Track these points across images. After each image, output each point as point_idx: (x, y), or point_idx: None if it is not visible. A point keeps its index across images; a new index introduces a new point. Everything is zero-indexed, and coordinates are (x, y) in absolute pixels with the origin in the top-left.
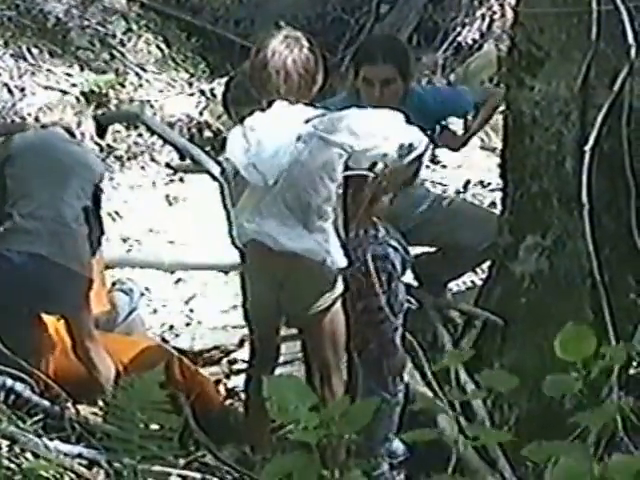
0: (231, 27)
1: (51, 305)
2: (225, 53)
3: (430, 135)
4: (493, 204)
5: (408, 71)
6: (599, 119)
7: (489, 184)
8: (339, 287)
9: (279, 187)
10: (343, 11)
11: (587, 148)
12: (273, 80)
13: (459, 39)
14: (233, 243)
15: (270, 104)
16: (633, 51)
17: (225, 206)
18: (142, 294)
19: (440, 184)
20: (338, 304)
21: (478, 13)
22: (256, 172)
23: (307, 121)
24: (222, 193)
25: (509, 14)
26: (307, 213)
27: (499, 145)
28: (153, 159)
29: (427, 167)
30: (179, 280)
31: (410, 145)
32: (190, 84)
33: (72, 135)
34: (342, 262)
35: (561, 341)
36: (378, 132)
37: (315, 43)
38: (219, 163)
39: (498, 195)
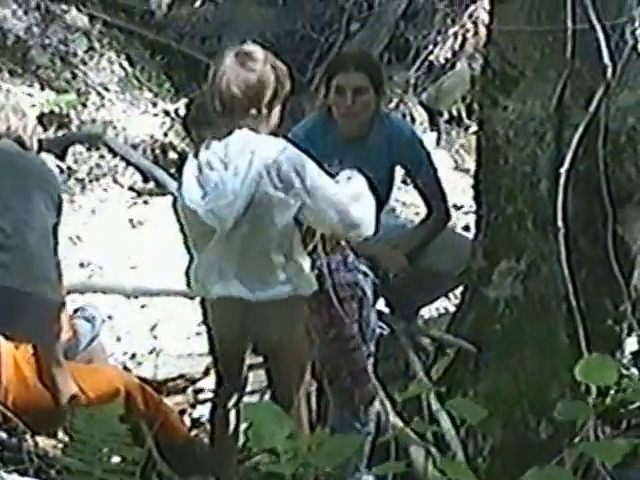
0: (197, 45)
1: (19, 331)
2: (191, 72)
3: (384, 177)
4: (467, 227)
5: (380, 83)
6: (575, 140)
7: (462, 206)
8: (306, 313)
9: (239, 230)
10: (312, 29)
11: (563, 170)
12: (224, 103)
13: (431, 57)
14: (188, 284)
15: (230, 132)
16: (609, 71)
17: (185, 243)
18: (104, 321)
19: (412, 205)
20: (304, 331)
21: (451, 31)
22: (214, 217)
23: (269, 157)
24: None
25: (482, 32)
26: (270, 252)
27: (473, 166)
28: (116, 181)
29: (398, 189)
30: (143, 306)
31: (358, 225)
32: (154, 104)
33: (24, 146)
34: (310, 289)
35: (583, 368)
36: (335, 206)
37: (275, 59)
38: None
39: (472, 218)
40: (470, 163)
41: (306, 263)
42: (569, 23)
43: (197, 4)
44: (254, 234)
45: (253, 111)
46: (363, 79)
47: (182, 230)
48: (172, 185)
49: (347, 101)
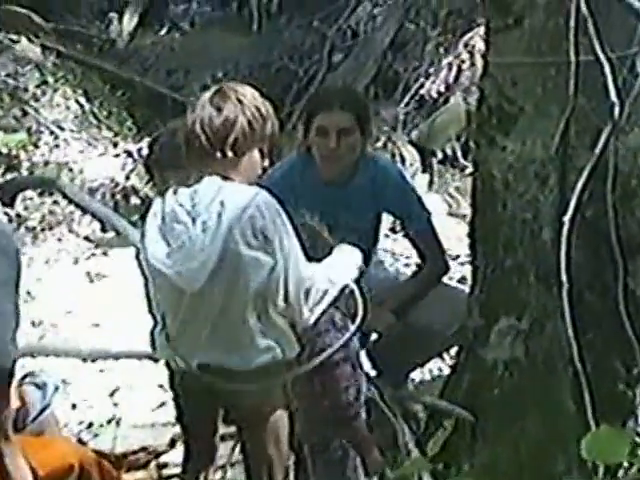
0: (162, 78)
1: None
2: (155, 108)
3: (370, 225)
4: (463, 279)
5: (367, 124)
6: (580, 184)
7: (458, 256)
8: (286, 379)
9: (210, 291)
10: (290, 60)
11: (567, 217)
12: (190, 144)
13: (423, 91)
14: (153, 346)
15: (199, 178)
16: (617, 107)
17: (149, 302)
18: (57, 388)
19: (402, 256)
20: (283, 398)
21: (444, 62)
22: (181, 279)
23: (241, 210)
24: (146, 286)
25: (479, 63)
26: (246, 315)
27: (469, 212)
28: (71, 230)
29: (386, 236)
30: (102, 370)
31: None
32: (114, 144)
33: None
34: (290, 353)
35: (590, 443)
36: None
37: (254, 97)
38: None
39: (468, 269)
40: (466, 208)
41: (287, 324)
42: (572, 55)
43: (162, 32)
44: (227, 296)
45: (218, 155)
46: (348, 119)
47: (147, 285)
48: (134, 235)
49: (330, 143)
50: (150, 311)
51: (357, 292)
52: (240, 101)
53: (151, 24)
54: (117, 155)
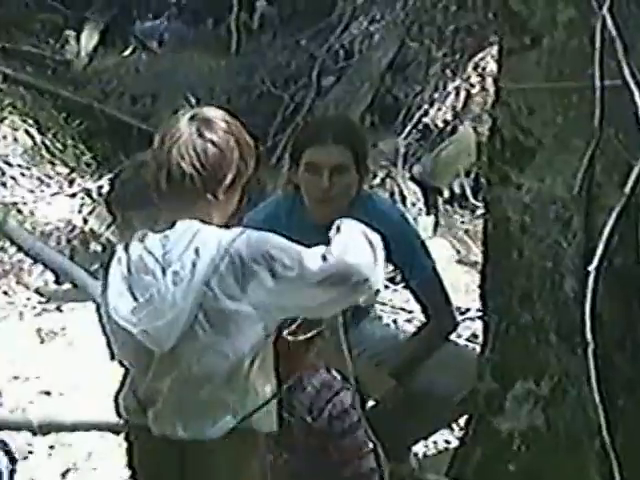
0: (126, 105)
1: None
2: (117, 140)
3: None
4: (473, 337)
5: (364, 160)
6: (608, 227)
7: (467, 310)
8: (261, 454)
9: (182, 352)
10: (274, 84)
11: (593, 266)
12: (172, 182)
13: (427, 119)
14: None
15: (173, 221)
16: None
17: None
18: (13, 472)
19: (403, 310)
20: (258, 476)
21: (451, 86)
22: (149, 338)
23: (219, 255)
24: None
25: (491, 88)
26: (223, 380)
27: (479, 259)
28: (20, 282)
29: (385, 287)
30: (52, 446)
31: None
32: (71, 181)
33: None
34: (268, 426)
35: None
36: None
37: (240, 128)
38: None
39: (479, 325)
40: (477, 255)
41: (268, 391)
42: (598, 80)
43: (126, 52)
44: (202, 357)
45: (209, 196)
46: (343, 155)
47: (109, 345)
48: (94, 287)
49: (323, 183)
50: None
51: (345, 347)
52: (231, 130)
53: (113, 43)
54: (73, 195)
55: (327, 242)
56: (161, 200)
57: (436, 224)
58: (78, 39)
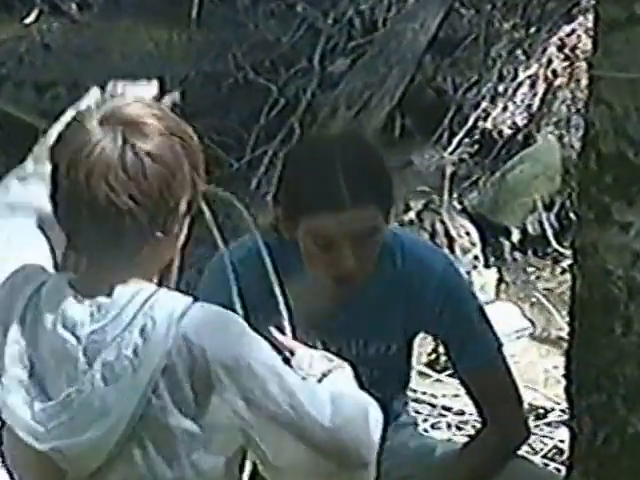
0: (29, 96)
1: None
2: (13, 148)
3: (396, 357)
4: (555, 451)
5: (393, 204)
6: None
7: (546, 412)
8: None
9: (108, 476)
10: (255, 71)
11: None
12: (90, 224)
13: (487, 124)
14: None
15: (100, 279)
16: None
17: None
18: None
19: (448, 410)
20: None
21: (523, 75)
22: (62, 458)
23: (178, 349)
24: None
25: (583, 78)
26: None
27: (565, 334)
28: None
29: (425, 376)
30: None
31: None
32: None
33: None
34: None
35: None
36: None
37: (178, 121)
38: None
39: (563, 433)
40: (561, 328)
41: None
42: None
43: (30, 19)
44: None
45: (159, 234)
46: (369, 219)
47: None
48: None
49: (341, 262)
50: None
51: None
52: (170, 130)
53: (9, 6)
54: None
55: (336, 312)
56: (79, 247)
57: (500, 281)
58: None
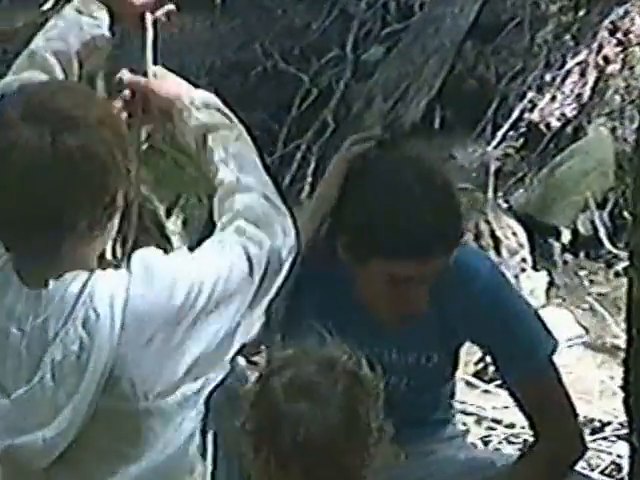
0: None
1: None
2: None
3: (440, 366)
4: (613, 467)
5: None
6: None
7: (603, 426)
8: None
9: (64, 471)
10: (285, 60)
11: None
12: (18, 222)
13: (533, 116)
14: None
15: (46, 282)
16: None
17: None
18: None
19: (497, 422)
20: None
21: (572, 62)
22: (16, 454)
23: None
24: None
25: (638, 66)
26: None
27: (622, 342)
28: None
29: (468, 384)
30: None
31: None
32: None
33: None
34: None
35: None
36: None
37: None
38: None
39: (622, 448)
40: (617, 336)
41: None
42: None
43: (47, 5)
44: (100, 466)
45: (83, 223)
46: (448, 260)
47: None
48: None
49: (415, 298)
50: None
51: None
52: (98, 117)
53: None
54: None
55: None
56: (16, 246)
57: (550, 285)
58: None
